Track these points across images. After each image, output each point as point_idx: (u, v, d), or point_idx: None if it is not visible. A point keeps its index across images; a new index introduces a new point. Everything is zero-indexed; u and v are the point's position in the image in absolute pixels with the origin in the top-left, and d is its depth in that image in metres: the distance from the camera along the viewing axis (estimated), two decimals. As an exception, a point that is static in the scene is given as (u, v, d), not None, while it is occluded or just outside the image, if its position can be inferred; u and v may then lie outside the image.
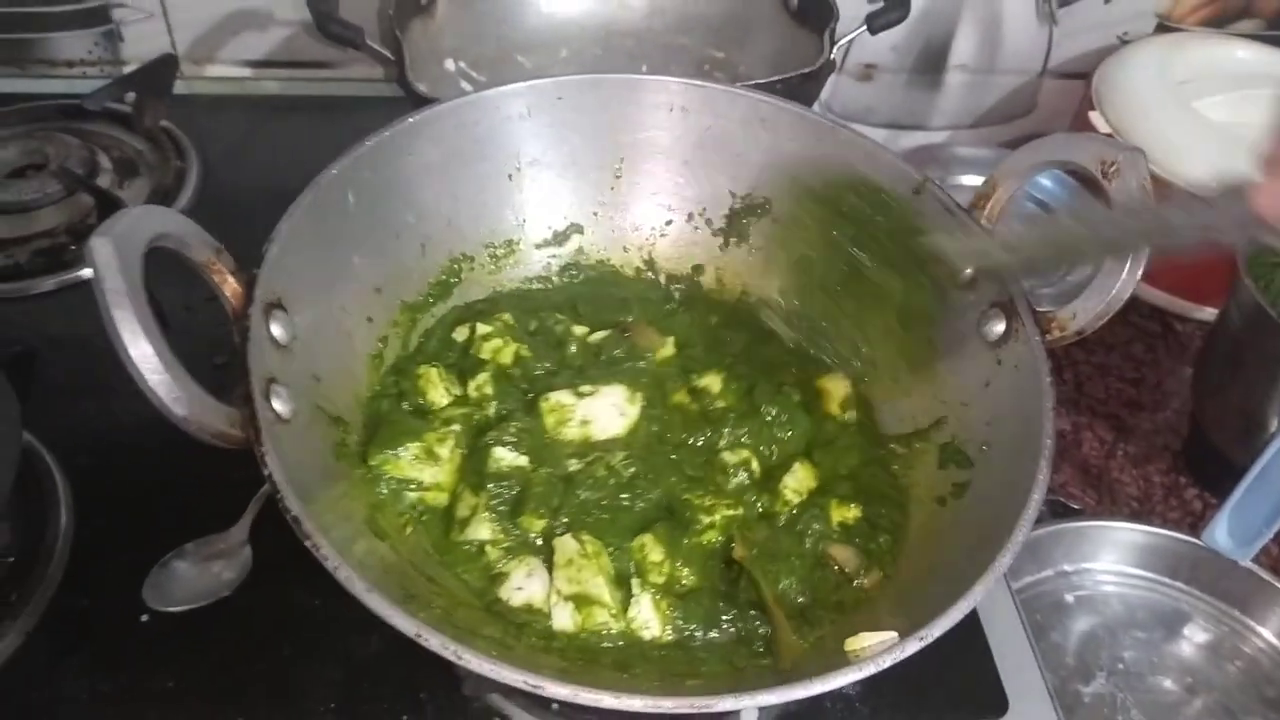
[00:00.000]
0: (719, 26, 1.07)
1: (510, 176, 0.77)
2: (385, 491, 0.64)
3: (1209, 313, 1.11)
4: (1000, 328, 0.66)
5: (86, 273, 0.52)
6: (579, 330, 0.76)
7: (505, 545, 0.63)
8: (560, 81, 0.76)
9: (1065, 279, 1.06)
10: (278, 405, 0.57)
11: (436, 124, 0.72)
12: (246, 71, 1.18)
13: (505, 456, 0.65)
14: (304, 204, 0.65)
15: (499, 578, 0.62)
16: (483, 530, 0.63)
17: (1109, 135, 1.09)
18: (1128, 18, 1.23)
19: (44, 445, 0.75)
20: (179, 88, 1.11)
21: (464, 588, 0.61)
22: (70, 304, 0.87)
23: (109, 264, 0.49)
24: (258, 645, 0.67)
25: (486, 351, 0.72)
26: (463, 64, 1.01)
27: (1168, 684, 0.86)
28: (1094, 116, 1.12)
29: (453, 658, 0.47)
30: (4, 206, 0.92)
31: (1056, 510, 0.93)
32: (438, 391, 0.70)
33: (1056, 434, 0.98)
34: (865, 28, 0.94)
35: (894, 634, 0.51)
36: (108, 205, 0.91)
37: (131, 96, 1.02)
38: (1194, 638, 0.88)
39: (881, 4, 0.95)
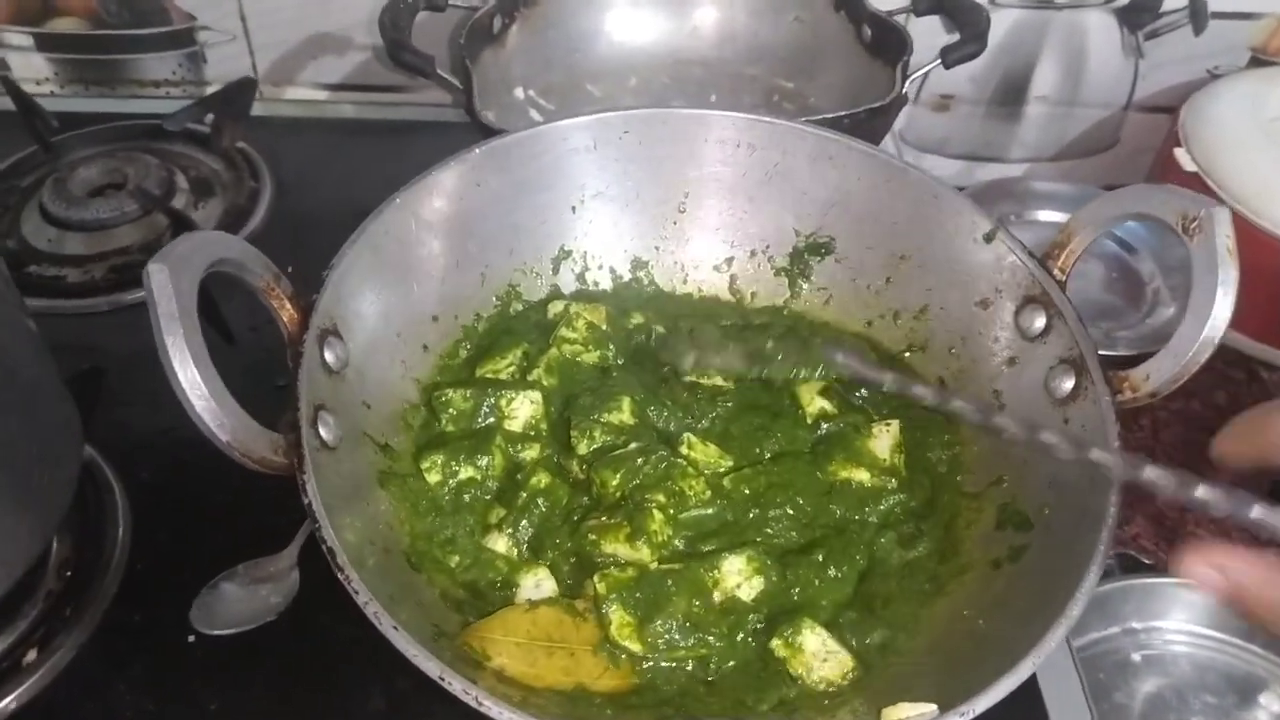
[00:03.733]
0: (789, 57, 1.05)
1: (574, 209, 0.77)
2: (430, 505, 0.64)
3: (1299, 361, 1.06)
4: (1069, 385, 0.63)
5: (148, 294, 0.54)
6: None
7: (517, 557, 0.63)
8: (627, 115, 0.75)
9: (1144, 321, 1.02)
10: (325, 432, 0.57)
11: (502, 155, 0.72)
12: (323, 94, 1.20)
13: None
14: (366, 232, 0.66)
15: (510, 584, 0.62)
16: (500, 543, 0.63)
17: (1194, 174, 1.05)
18: (1219, 51, 1.18)
19: (106, 461, 0.77)
20: (257, 109, 1.14)
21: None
22: (142, 321, 0.88)
23: (164, 289, 0.50)
24: (302, 671, 0.67)
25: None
26: (532, 92, 1.02)
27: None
28: (1179, 154, 1.07)
29: (473, 703, 0.46)
30: (83, 224, 0.95)
31: (1126, 564, 0.89)
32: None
33: (1128, 485, 0.97)
34: (940, 62, 0.92)
35: (933, 707, 0.50)
36: (181, 225, 0.93)
37: (210, 118, 1.04)
38: (1270, 706, 0.84)
39: (958, 37, 0.92)
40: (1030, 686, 0.68)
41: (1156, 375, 0.59)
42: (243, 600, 0.68)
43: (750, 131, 0.76)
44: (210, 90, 1.14)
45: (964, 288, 0.71)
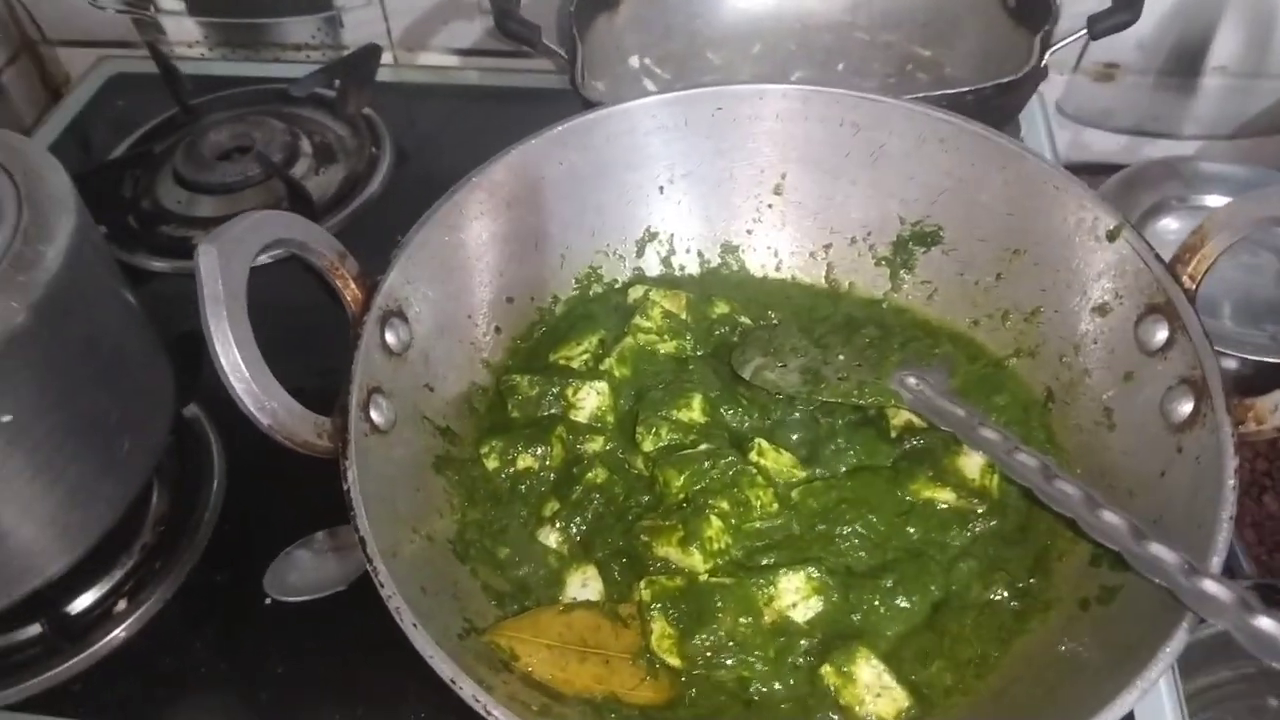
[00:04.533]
0: (926, 22, 0.98)
1: (661, 189, 0.74)
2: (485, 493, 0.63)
3: None
4: (1187, 408, 0.55)
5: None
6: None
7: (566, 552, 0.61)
8: (719, 91, 0.71)
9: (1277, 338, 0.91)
10: (378, 415, 0.57)
11: (584, 133, 0.70)
12: (454, 60, 1.20)
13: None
14: (437, 213, 0.65)
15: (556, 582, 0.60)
16: (551, 538, 0.61)
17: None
18: None
19: (210, 419, 0.80)
20: (389, 75, 1.15)
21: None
22: (255, 282, 0.91)
23: (211, 271, 0.50)
24: (365, 642, 0.67)
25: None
26: (648, 60, 0.98)
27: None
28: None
29: (481, 711, 0.45)
30: (212, 187, 0.98)
31: (1269, 597, 0.80)
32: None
33: (1269, 514, 0.87)
34: (1086, 31, 0.83)
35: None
36: (295, 193, 0.95)
37: (337, 84, 1.06)
38: None
39: (1110, 3, 0.83)
40: None
41: (1288, 408, 0.51)
42: (314, 568, 0.70)
43: (855, 110, 0.70)
44: (347, 54, 1.16)
45: (1081, 290, 0.64)
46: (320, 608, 0.68)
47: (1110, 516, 0.52)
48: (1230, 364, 0.88)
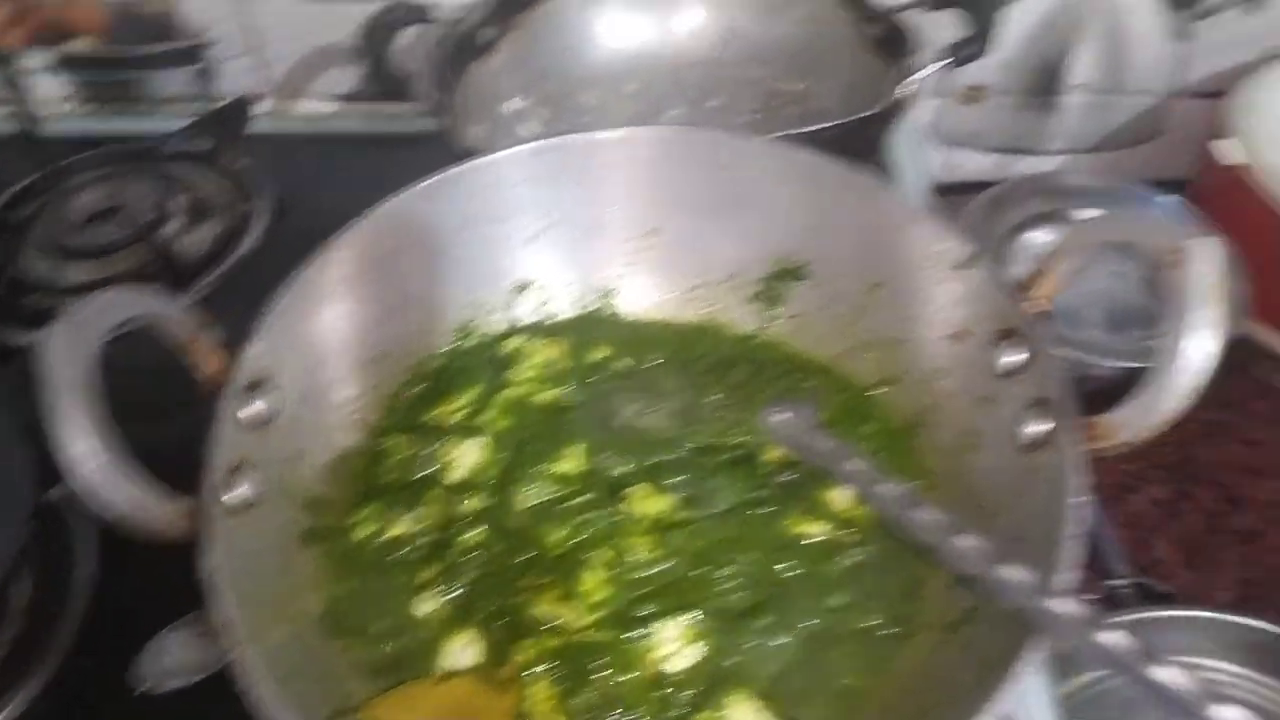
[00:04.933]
0: (794, 57, 1.00)
1: (533, 238, 0.74)
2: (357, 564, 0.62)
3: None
4: (1039, 429, 0.57)
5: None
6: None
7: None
8: (585, 139, 0.72)
9: (1143, 343, 0.95)
10: (242, 493, 0.56)
11: (450, 188, 0.70)
12: (334, 107, 1.19)
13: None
14: (301, 277, 0.64)
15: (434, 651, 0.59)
16: (428, 605, 0.61)
17: (1240, 167, 0.97)
18: (1277, 30, 1.09)
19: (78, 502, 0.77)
20: (266, 125, 1.13)
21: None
22: (125, 350, 0.89)
23: (57, 356, 0.49)
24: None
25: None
26: (526, 103, 0.99)
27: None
28: (1221, 146, 0.99)
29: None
30: (80, 252, 0.95)
31: (1144, 594, 0.83)
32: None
33: (1152, 503, 0.90)
34: (943, 63, 0.86)
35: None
36: (163, 257, 0.93)
37: (209, 138, 1.04)
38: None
39: (963, 36, 0.86)
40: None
41: (1130, 425, 0.54)
42: (191, 652, 0.68)
43: (720, 150, 0.71)
44: (221, 105, 1.14)
45: (938, 318, 0.66)
46: (197, 693, 0.65)
47: (966, 542, 0.53)
48: (1100, 372, 0.92)
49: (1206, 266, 0.51)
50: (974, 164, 1.21)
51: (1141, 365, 0.89)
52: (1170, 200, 1.02)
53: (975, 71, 1.12)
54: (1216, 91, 1.09)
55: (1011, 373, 0.61)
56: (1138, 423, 0.53)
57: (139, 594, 0.71)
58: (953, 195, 1.08)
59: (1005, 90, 1.15)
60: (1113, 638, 0.48)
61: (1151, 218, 0.57)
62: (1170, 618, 0.80)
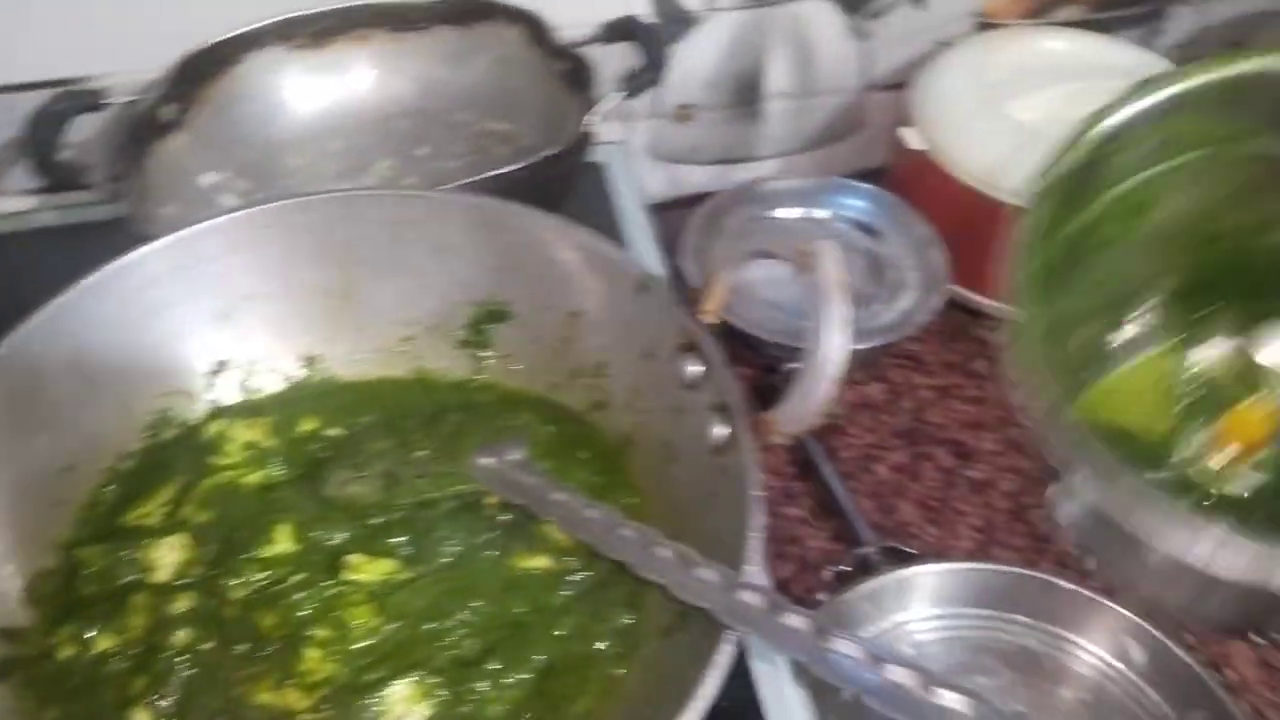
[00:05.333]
0: (494, 98, 1.02)
1: (224, 317, 0.72)
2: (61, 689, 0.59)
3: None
4: (723, 432, 0.61)
5: None
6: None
7: None
8: (263, 211, 0.71)
9: (891, 306, 1.02)
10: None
11: (123, 278, 0.67)
12: (31, 202, 1.12)
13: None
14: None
15: None
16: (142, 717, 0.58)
17: (922, 151, 1.05)
18: (946, 20, 1.19)
19: None
20: (-45, 229, 1.06)
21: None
22: None
23: None
24: None
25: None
26: (225, 175, 0.96)
27: (1016, 725, 0.82)
28: (905, 132, 1.07)
29: None
30: None
31: (891, 556, 0.88)
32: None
33: (893, 469, 0.97)
34: (624, 93, 0.89)
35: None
36: None
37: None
38: (1041, 672, 0.83)
39: (639, 66, 0.90)
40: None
41: (789, 418, 0.58)
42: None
43: (402, 207, 0.72)
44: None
45: (631, 340, 0.69)
46: None
47: (663, 552, 0.56)
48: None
49: (829, 265, 0.55)
50: (696, 177, 1.26)
51: (862, 347, 0.97)
52: (873, 189, 1.10)
53: (682, 92, 1.18)
54: (899, 83, 1.18)
55: (695, 384, 0.64)
56: (798, 414, 0.57)
57: None
58: (682, 208, 1.13)
59: (713, 106, 1.21)
60: (795, 620, 0.51)
61: (782, 230, 0.61)
62: (915, 574, 0.85)
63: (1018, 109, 1.05)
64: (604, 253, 0.68)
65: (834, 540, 0.90)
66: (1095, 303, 0.78)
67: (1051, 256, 0.65)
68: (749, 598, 0.52)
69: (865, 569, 0.86)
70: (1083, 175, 0.63)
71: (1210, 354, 0.84)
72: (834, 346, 0.55)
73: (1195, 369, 0.84)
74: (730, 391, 0.60)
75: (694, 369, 0.64)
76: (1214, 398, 0.83)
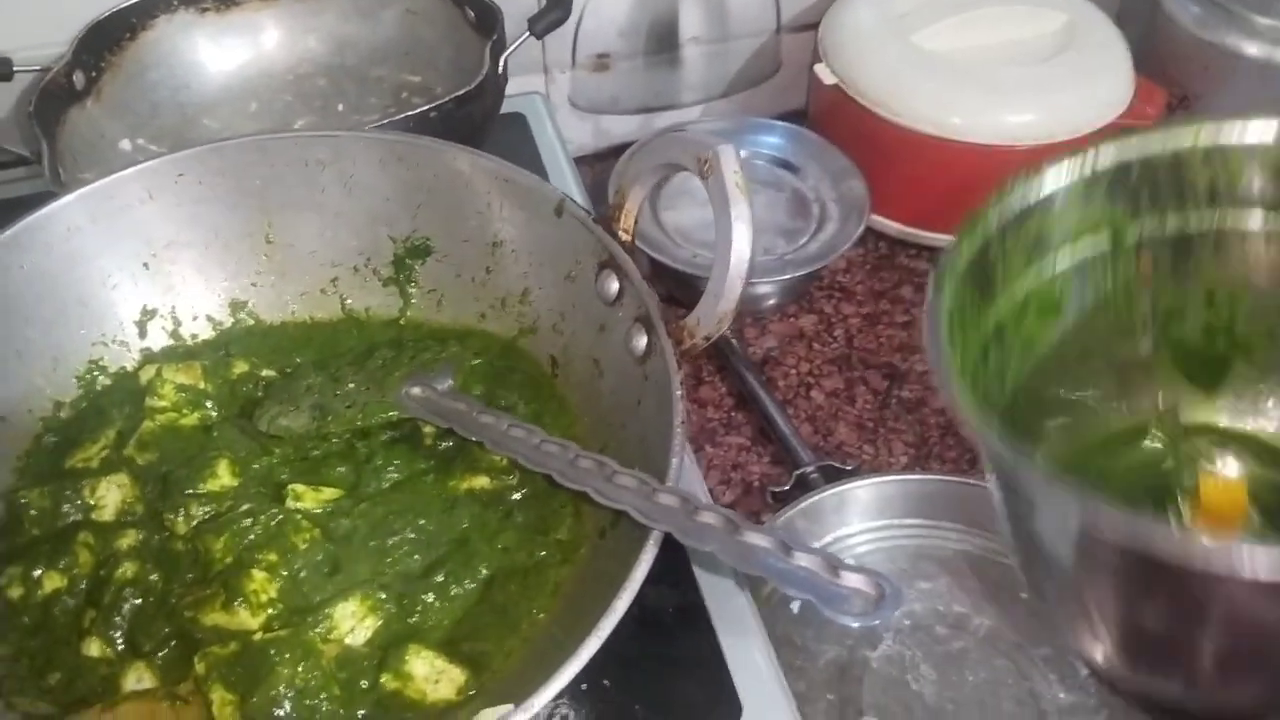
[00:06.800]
0: (409, 51, 1.03)
1: (146, 265, 0.73)
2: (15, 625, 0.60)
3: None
4: (644, 342, 0.63)
5: None
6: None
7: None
8: (176, 159, 0.71)
9: (815, 237, 1.04)
10: None
11: (39, 232, 0.68)
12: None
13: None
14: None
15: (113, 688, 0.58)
16: (94, 648, 0.59)
17: (835, 85, 1.08)
18: (852, -40, 1.21)
19: None
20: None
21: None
22: None
23: None
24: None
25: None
26: (141, 140, 0.96)
27: (955, 631, 0.85)
28: (818, 69, 1.10)
29: None
30: None
31: (830, 475, 0.91)
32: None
33: (828, 394, 1.00)
34: (529, 34, 0.91)
35: (509, 707, 0.49)
36: None
37: None
38: (977, 578, 0.87)
39: (543, 5, 0.92)
40: (709, 636, 0.69)
41: (704, 320, 0.60)
42: None
43: (313, 148, 0.73)
44: None
45: (552, 264, 0.71)
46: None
47: (585, 463, 0.58)
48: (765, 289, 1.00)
49: (730, 167, 0.57)
50: (621, 127, 1.27)
51: (788, 277, 1.00)
52: (791, 127, 1.12)
53: (598, 41, 1.19)
54: (812, 24, 1.20)
55: (614, 299, 0.66)
56: (710, 318, 0.59)
57: None
58: (609, 159, 1.14)
59: (630, 55, 1.22)
60: (709, 517, 0.53)
61: (681, 140, 0.63)
62: (854, 488, 0.88)
63: (923, 39, 1.08)
64: (519, 179, 0.70)
65: (774, 464, 0.93)
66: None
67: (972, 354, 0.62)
68: (665, 499, 0.54)
69: (805, 487, 0.89)
70: (984, 267, 0.62)
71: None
72: (741, 244, 0.57)
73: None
74: (649, 302, 0.62)
75: (613, 285, 0.66)
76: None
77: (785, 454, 0.93)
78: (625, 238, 0.66)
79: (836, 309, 1.08)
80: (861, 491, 0.88)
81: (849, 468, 0.91)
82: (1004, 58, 1.08)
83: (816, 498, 0.87)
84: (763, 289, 1.03)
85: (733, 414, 0.96)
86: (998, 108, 1.03)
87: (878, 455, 0.96)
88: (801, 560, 0.49)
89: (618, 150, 1.21)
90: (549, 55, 1.17)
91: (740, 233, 0.57)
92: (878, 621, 0.49)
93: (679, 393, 0.58)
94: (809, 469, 0.91)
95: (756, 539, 0.50)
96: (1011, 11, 1.12)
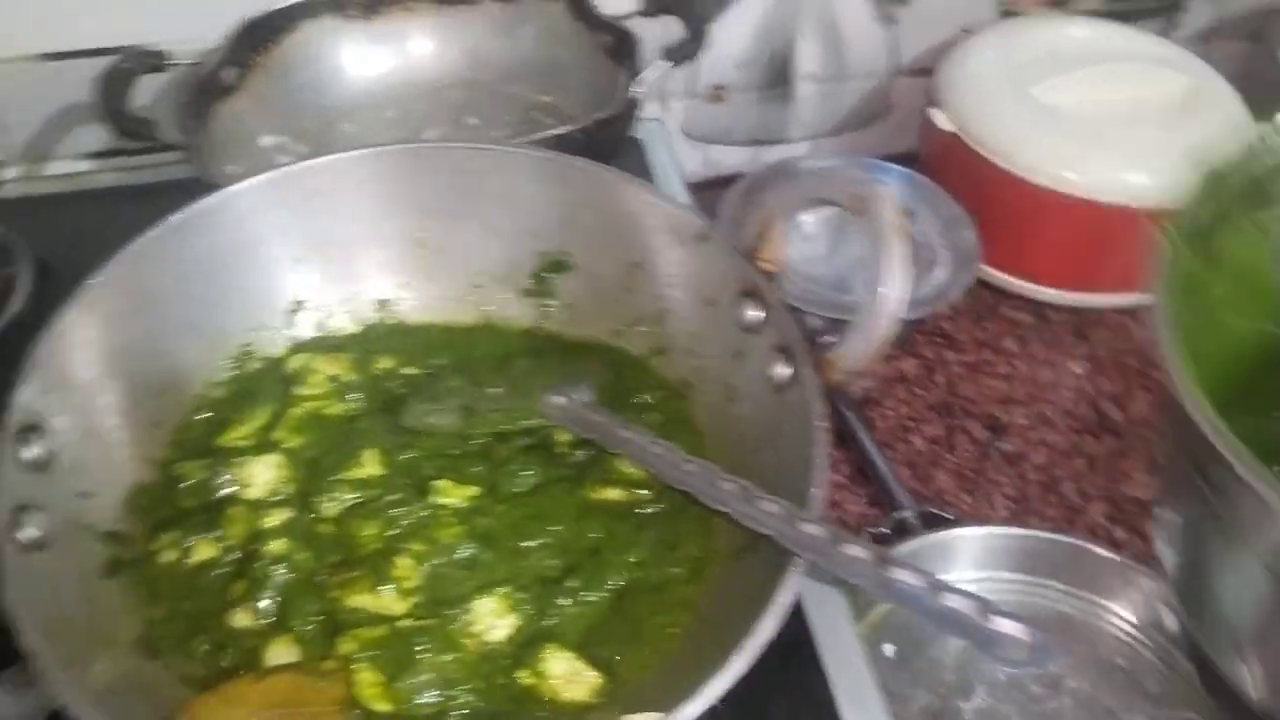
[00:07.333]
0: (541, 71, 1.06)
1: (303, 258, 0.76)
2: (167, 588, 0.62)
3: (1079, 298, 1.11)
4: (785, 372, 0.65)
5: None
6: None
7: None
8: (333, 160, 0.74)
9: (924, 281, 1.05)
10: (29, 533, 0.56)
11: (204, 219, 0.71)
12: (86, 165, 1.16)
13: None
14: (63, 320, 0.64)
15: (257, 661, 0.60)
16: (242, 619, 0.62)
17: (952, 132, 1.09)
18: (971, 8, 1.23)
19: None
20: (16, 190, 1.09)
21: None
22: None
23: None
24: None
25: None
26: (283, 139, 1.00)
27: (1050, 692, 0.85)
28: (935, 114, 1.12)
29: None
30: None
31: (929, 521, 0.92)
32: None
33: (929, 441, 1.00)
34: (668, 63, 0.93)
35: (658, 716, 0.50)
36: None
37: (-48, 208, 1.00)
38: (1076, 636, 0.87)
39: (682, 37, 0.94)
40: (811, 660, 0.70)
41: (849, 355, 0.61)
42: (8, 706, 0.66)
43: (470, 160, 0.76)
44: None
45: (691, 289, 0.73)
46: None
47: (727, 485, 0.59)
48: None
49: (886, 208, 0.59)
50: (730, 158, 1.30)
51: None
52: (905, 171, 1.14)
53: (716, 73, 1.22)
54: (925, 69, 1.22)
55: (754, 327, 0.68)
56: (858, 352, 0.61)
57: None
58: (717, 188, 1.17)
59: (745, 87, 1.25)
60: (856, 550, 0.54)
61: (839, 175, 0.65)
62: (954, 537, 0.89)
63: (1043, 91, 1.09)
64: (666, 205, 0.72)
65: (871, 505, 0.94)
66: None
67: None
68: (810, 529, 0.55)
69: (903, 532, 0.90)
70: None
71: None
72: (894, 285, 0.59)
73: None
74: (791, 333, 0.64)
75: (754, 314, 0.68)
76: None
77: (883, 496, 0.94)
78: (768, 269, 0.68)
79: (939, 355, 1.09)
80: (964, 541, 0.89)
81: (949, 515, 0.92)
82: (1124, 116, 1.08)
83: (916, 543, 0.87)
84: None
85: (831, 451, 0.97)
86: (1116, 167, 1.03)
87: (977, 506, 0.96)
88: (952, 601, 0.50)
89: (725, 181, 1.24)
90: (666, 83, 1.20)
91: (894, 274, 0.59)
92: (1034, 669, 0.49)
93: (822, 424, 0.60)
94: (907, 513, 0.91)
95: (906, 576, 0.51)
96: (1133, 70, 1.13)
